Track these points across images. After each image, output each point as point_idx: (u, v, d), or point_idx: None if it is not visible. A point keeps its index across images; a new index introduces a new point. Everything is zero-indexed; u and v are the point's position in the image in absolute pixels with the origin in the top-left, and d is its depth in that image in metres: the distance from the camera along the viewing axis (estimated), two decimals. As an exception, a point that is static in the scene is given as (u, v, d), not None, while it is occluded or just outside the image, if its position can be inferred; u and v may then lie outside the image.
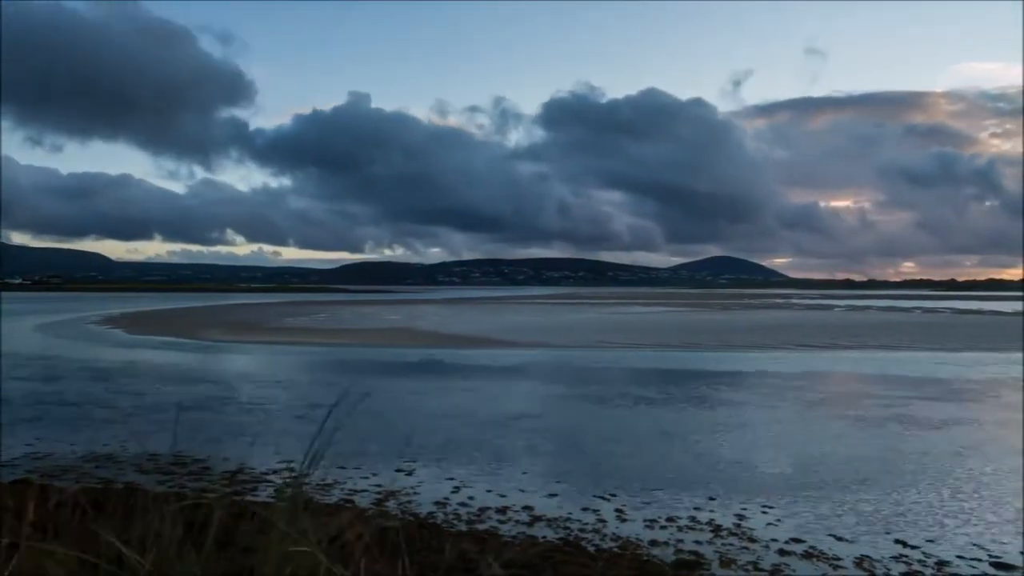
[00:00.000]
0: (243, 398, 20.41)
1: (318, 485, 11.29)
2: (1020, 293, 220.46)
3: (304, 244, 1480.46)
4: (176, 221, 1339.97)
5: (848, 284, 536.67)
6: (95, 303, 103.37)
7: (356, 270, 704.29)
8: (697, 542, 9.21)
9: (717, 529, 9.70)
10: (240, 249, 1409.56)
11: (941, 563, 8.58)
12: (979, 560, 8.68)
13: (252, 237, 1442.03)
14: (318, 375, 26.95)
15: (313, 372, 27.91)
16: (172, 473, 12.04)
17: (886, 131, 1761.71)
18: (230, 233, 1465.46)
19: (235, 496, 10.01)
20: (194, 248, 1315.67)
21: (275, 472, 12.13)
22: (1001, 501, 11.13)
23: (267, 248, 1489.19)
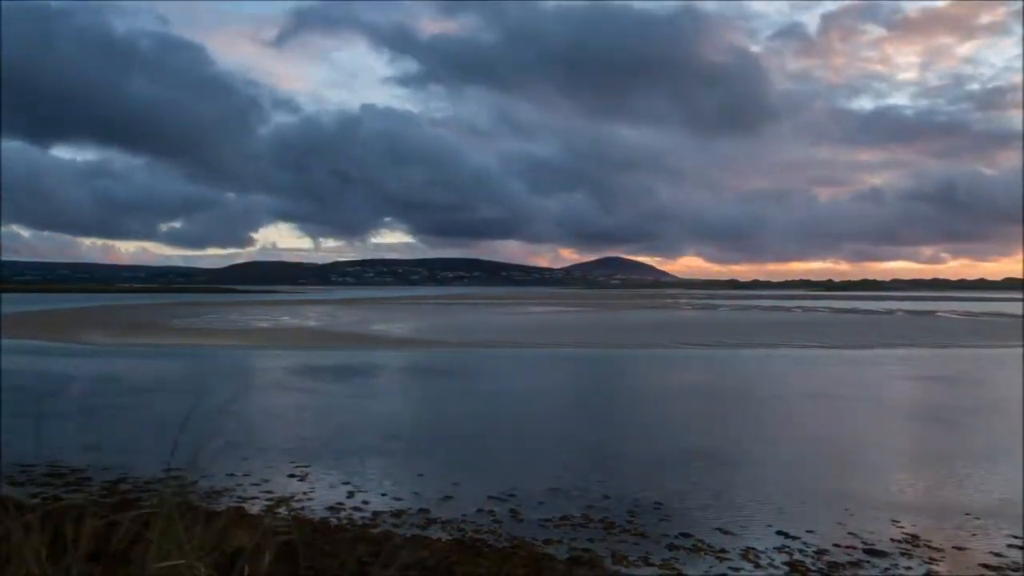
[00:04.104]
0: (127, 404, 19.53)
1: (206, 493, 10.92)
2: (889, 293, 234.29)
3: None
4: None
5: (733, 284, 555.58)
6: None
7: (247, 270, 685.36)
8: (590, 540, 9.34)
9: (610, 526, 9.86)
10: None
11: (820, 552, 8.97)
12: (854, 548, 9.11)
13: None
14: (207, 378, 26.04)
15: (203, 375, 26.94)
16: (48, 485, 11.42)
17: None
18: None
19: (114, 505, 9.55)
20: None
21: (159, 481, 11.64)
22: (871, 489, 11.72)
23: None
